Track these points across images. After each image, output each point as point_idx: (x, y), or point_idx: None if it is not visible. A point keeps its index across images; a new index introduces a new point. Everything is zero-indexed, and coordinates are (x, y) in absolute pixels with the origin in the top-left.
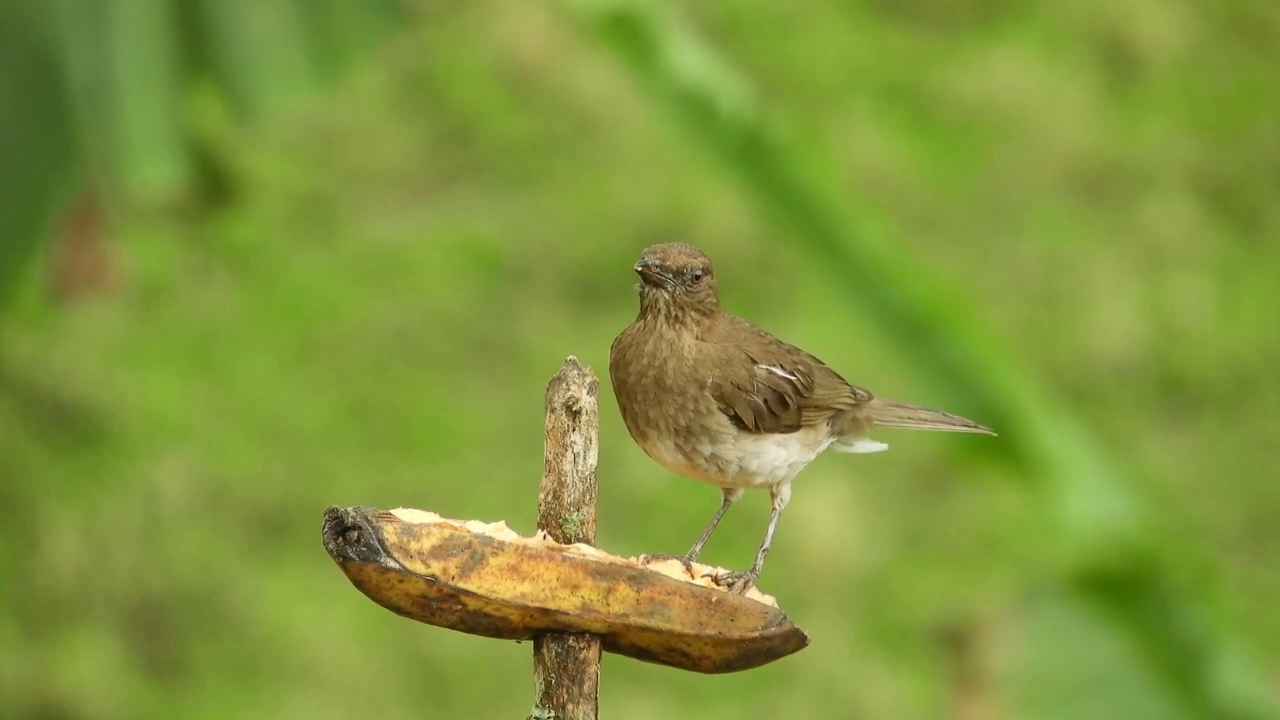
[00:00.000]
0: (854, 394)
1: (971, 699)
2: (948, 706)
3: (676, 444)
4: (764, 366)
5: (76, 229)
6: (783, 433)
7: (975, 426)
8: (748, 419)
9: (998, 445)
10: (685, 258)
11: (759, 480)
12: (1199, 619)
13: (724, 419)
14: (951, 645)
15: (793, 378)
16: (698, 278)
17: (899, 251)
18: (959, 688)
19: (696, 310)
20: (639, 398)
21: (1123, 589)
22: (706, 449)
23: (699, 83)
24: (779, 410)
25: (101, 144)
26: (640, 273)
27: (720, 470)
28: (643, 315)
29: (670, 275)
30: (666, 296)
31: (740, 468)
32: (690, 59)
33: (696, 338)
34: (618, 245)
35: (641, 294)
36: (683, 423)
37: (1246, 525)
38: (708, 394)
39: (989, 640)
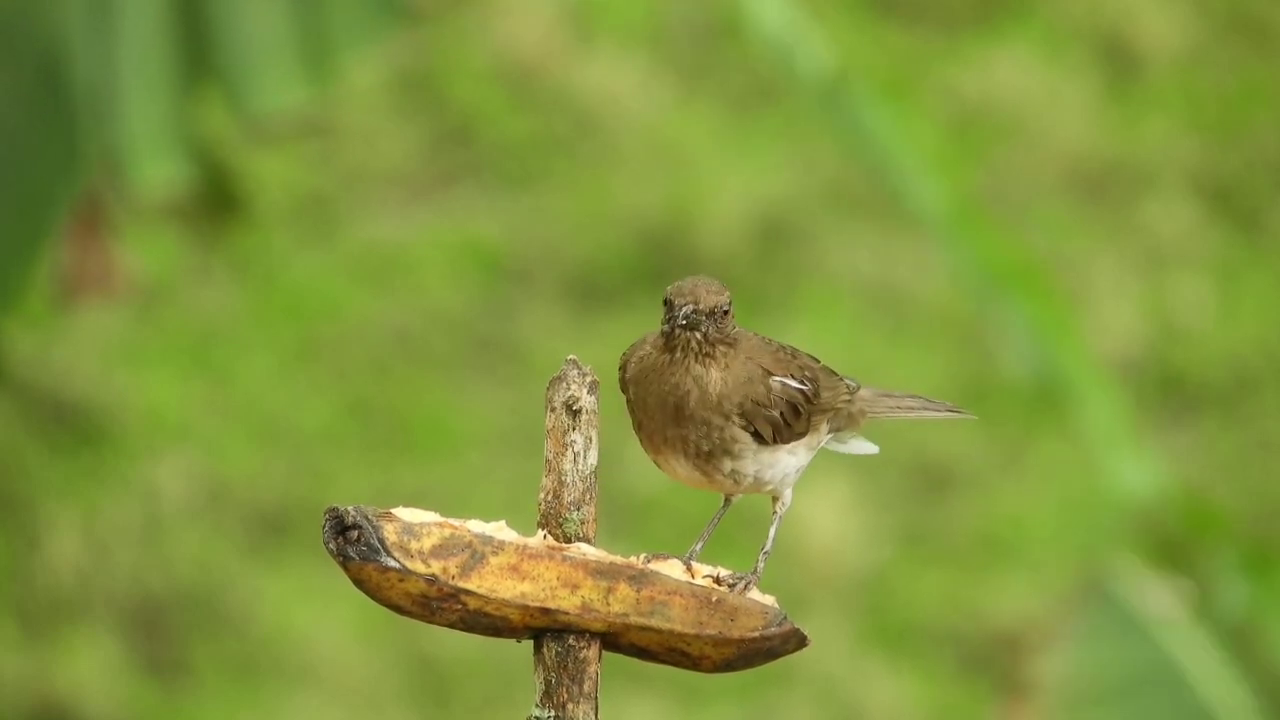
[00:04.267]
0: (848, 388)
1: (1019, 706)
2: (996, 714)
3: (695, 463)
4: (779, 379)
5: (83, 232)
6: (794, 441)
7: (958, 411)
8: (767, 434)
9: (1062, 406)
10: (714, 296)
11: (769, 488)
12: (1247, 588)
13: (746, 437)
14: (1003, 652)
15: (804, 387)
16: (725, 313)
17: (973, 209)
18: (1007, 695)
19: (724, 344)
20: (658, 419)
21: (1174, 556)
22: (726, 466)
23: (780, 32)
24: (793, 421)
25: (106, 144)
26: (683, 325)
27: (736, 483)
28: (670, 350)
29: (704, 318)
30: (699, 337)
31: (756, 479)
32: (772, 10)
33: (723, 368)
34: (618, 245)
35: (670, 333)
36: (705, 448)
37: (1246, 525)
38: (733, 422)
39: (1038, 645)
